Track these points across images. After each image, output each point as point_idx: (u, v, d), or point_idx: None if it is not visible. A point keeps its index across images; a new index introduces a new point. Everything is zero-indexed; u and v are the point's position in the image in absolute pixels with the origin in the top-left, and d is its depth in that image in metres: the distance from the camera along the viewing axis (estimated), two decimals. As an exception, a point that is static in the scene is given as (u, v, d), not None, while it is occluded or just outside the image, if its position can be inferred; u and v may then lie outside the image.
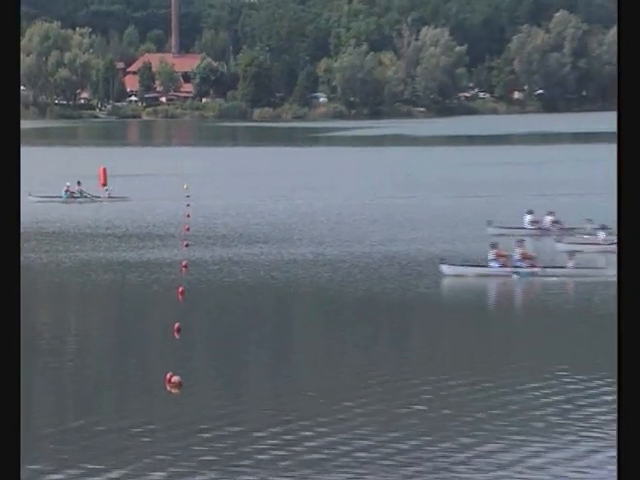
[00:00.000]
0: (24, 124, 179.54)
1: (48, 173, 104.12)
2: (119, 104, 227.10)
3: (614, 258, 54.81)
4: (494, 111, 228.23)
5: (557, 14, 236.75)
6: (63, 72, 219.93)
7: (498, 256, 51.85)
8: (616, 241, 57.85)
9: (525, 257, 51.95)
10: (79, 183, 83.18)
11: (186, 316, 43.23)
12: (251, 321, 46.62)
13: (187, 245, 60.76)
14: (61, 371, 38.01)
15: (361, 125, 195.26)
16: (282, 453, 27.15)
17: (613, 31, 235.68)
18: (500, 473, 26.02)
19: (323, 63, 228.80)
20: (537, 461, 26.82)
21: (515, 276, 51.61)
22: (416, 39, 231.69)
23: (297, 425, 29.23)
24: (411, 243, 63.29)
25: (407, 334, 44.27)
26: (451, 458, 26.97)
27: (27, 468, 25.13)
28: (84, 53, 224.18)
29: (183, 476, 25.46)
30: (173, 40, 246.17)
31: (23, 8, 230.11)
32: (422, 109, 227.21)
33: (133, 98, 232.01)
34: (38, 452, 27.03)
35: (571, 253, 52.77)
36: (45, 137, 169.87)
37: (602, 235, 59.37)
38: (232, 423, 29.25)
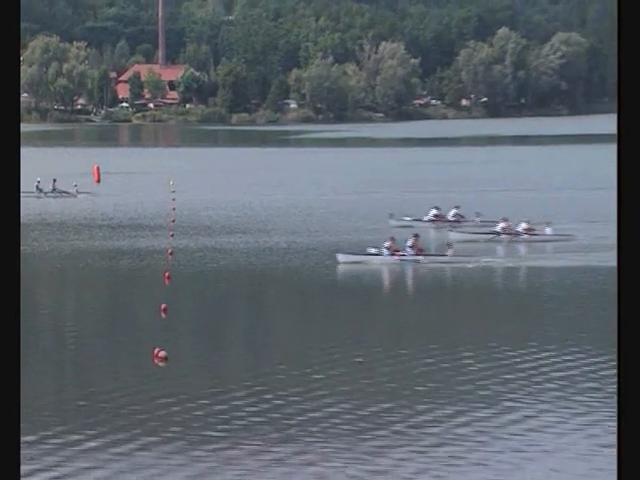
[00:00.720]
0: (27, 127, 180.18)
1: (49, 171, 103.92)
2: (112, 109, 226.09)
3: (505, 245, 58.34)
4: (444, 116, 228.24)
5: (499, 31, 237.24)
6: (62, 81, 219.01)
7: (391, 246, 51.94)
8: (514, 231, 59.48)
9: (414, 247, 52.18)
10: (54, 180, 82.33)
11: (172, 298, 42.97)
12: (231, 302, 46.72)
13: (172, 235, 60.39)
14: (58, 345, 38.09)
15: (327, 129, 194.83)
16: (257, 418, 27.36)
17: (548, 46, 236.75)
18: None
19: (293, 73, 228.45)
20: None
21: (402, 263, 51.83)
22: (375, 52, 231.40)
23: (267, 390, 29.48)
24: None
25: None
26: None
27: (27, 430, 24.67)
28: (80, 64, 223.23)
29: (170, 438, 25.49)
30: (160, 52, 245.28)
31: (26, 24, 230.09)
32: (381, 114, 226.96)
33: (124, 104, 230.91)
34: (39, 416, 26.99)
35: (450, 243, 53.36)
36: (45, 139, 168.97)
37: (501, 225, 59.69)
38: (213, 392, 29.36)
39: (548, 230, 59.23)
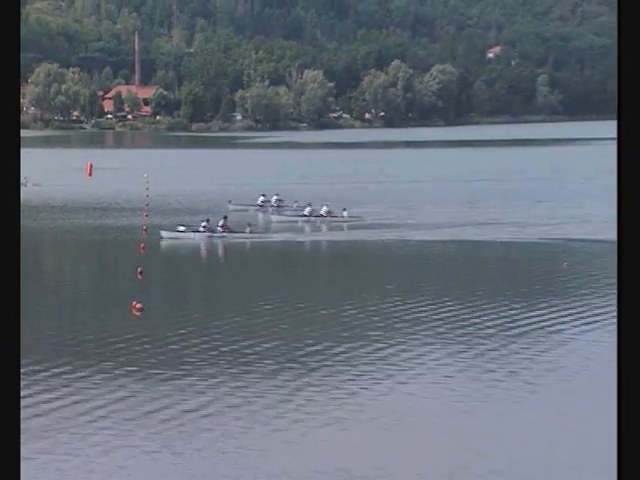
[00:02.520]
0: (33, 133, 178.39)
1: (50, 167, 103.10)
2: (99, 120, 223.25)
3: (312, 224, 57.58)
4: (352, 126, 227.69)
5: (393, 63, 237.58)
6: (60, 98, 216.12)
7: (206, 225, 51.38)
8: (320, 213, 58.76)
9: (223, 226, 51.39)
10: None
11: (146, 263, 42.72)
12: (192, 264, 47.14)
13: (147, 215, 60.11)
14: (56, 298, 38.04)
15: (264, 135, 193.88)
16: (214, 352, 27.97)
17: (429, 74, 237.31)
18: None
19: (238, 93, 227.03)
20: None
21: (211, 238, 51.13)
22: (301, 78, 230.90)
23: (225, 335, 29.77)
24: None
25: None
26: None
27: (27, 361, 24.95)
28: (75, 85, 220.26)
29: (141, 367, 25.78)
30: (136, 76, 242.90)
31: (32, 54, 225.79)
32: (305, 124, 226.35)
33: (109, 116, 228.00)
34: (35, 352, 26.72)
35: (250, 223, 52.66)
36: (48, 142, 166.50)
37: (307, 209, 59.21)
38: (174, 334, 29.50)
39: (345, 213, 58.47)
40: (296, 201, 62.99)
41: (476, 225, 56.16)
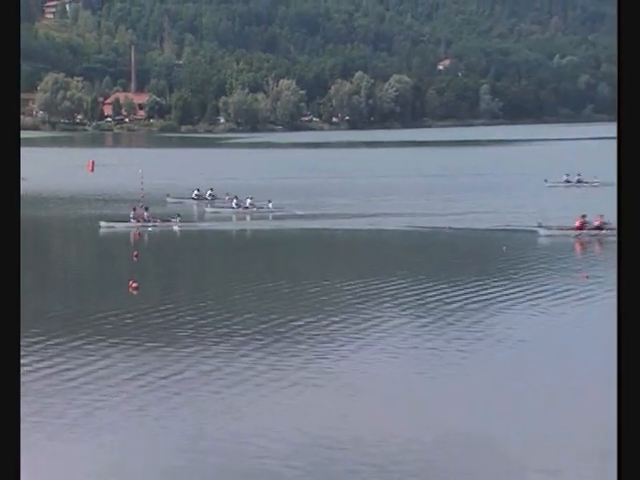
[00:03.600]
0: (42, 134, 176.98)
1: (57, 164, 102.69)
2: (100, 122, 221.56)
3: (239, 214, 56.03)
4: (321, 128, 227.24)
5: (357, 74, 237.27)
6: (66, 103, 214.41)
7: (136, 215, 50.34)
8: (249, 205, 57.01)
9: (150, 217, 50.38)
10: None
11: (140, 247, 42.61)
12: (183, 248, 46.75)
13: (141, 205, 60.01)
14: (61, 276, 37.94)
15: (244, 136, 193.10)
16: (204, 322, 27.88)
17: (387, 84, 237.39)
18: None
19: (222, 99, 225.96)
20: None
21: (143, 227, 50.03)
22: (277, 86, 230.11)
23: (212, 308, 29.80)
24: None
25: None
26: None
27: (32, 333, 24.97)
28: (79, 92, 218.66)
29: (134, 336, 25.68)
30: (132, 84, 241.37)
31: (41, 65, 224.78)
32: (280, 127, 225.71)
33: (108, 119, 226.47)
34: (41, 326, 26.59)
35: (179, 214, 51.32)
36: (55, 142, 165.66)
37: (234, 202, 57.98)
38: (172, 309, 29.38)
39: (270, 205, 57.12)
40: (227, 194, 61.33)
41: (416, 215, 55.45)
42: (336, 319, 27.68)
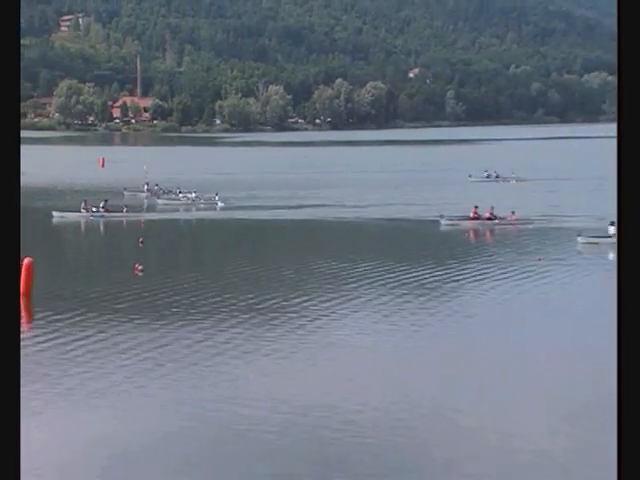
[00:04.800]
0: (58, 134, 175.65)
1: (71, 160, 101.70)
2: (109, 124, 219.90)
3: (186, 206, 54.92)
4: (306, 129, 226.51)
5: (337, 80, 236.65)
6: (79, 107, 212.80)
7: (85, 206, 48.60)
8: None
9: (104, 207, 48.91)
10: None
11: (144, 234, 42.00)
12: (185, 235, 46.12)
13: (146, 197, 59.29)
14: (71, 259, 37.36)
15: (238, 136, 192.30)
16: (202, 302, 26.95)
17: (364, 89, 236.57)
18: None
19: (218, 103, 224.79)
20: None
21: (92, 217, 48.80)
22: (266, 91, 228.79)
23: (209, 288, 29.22)
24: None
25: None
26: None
27: (41, 314, 24.54)
28: (90, 97, 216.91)
29: (138, 314, 25.12)
30: (138, 90, 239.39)
31: (57, 72, 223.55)
32: (269, 127, 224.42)
33: (117, 120, 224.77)
34: (57, 301, 26.32)
35: (126, 205, 50.30)
36: (69, 141, 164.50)
37: (181, 195, 56.36)
38: (168, 288, 28.95)
39: (216, 197, 55.70)
40: (178, 188, 59.89)
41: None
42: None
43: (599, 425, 15.77)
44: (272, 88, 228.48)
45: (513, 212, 45.18)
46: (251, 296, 27.27)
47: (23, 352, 20.65)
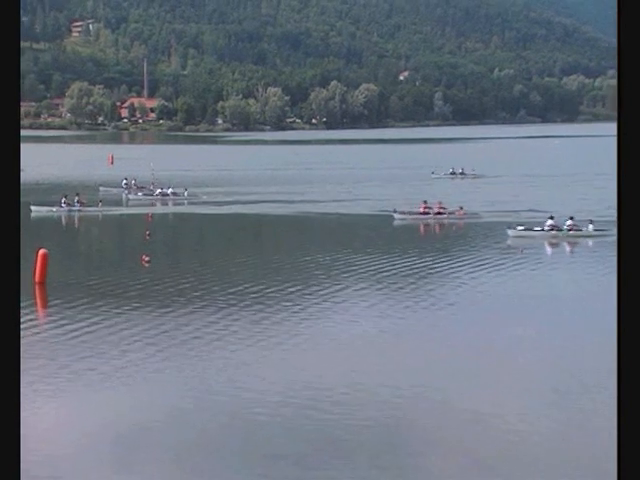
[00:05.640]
0: (70, 133, 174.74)
1: (82, 157, 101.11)
2: (118, 123, 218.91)
3: (160, 201, 53.59)
4: (302, 128, 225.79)
5: (332, 82, 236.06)
6: (89, 107, 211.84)
7: (65, 201, 47.72)
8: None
9: (79, 202, 48.01)
10: None
11: (152, 228, 41.56)
12: (191, 227, 45.65)
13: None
14: (82, 252, 36.96)
15: (239, 135, 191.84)
16: (204, 290, 26.76)
17: (358, 91, 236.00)
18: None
19: (220, 104, 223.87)
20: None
21: (69, 211, 47.43)
22: (265, 92, 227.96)
23: (212, 275, 28.99)
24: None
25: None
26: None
27: (54, 302, 24.35)
28: (100, 98, 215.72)
29: (144, 302, 24.83)
30: (145, 91, 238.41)
31: (69, 75, 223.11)
32: (269, 127, 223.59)
33: (125, 120, 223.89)
34: (69, 290, 26.04)
35: (101, 199, 49.40)
36: (80, 140, 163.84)
37: (157, 191, 55.56)
38: (172, 278, 28.70)
39: (185, 193, 54.94)
40: (152, 184, 58.65)
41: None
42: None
43: (576, 402, 16.09)
44: (271, 90, 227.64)
45: (461, 207, 44.87)
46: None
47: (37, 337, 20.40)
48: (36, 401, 15.98)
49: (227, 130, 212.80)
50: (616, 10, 8.76)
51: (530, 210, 46.64)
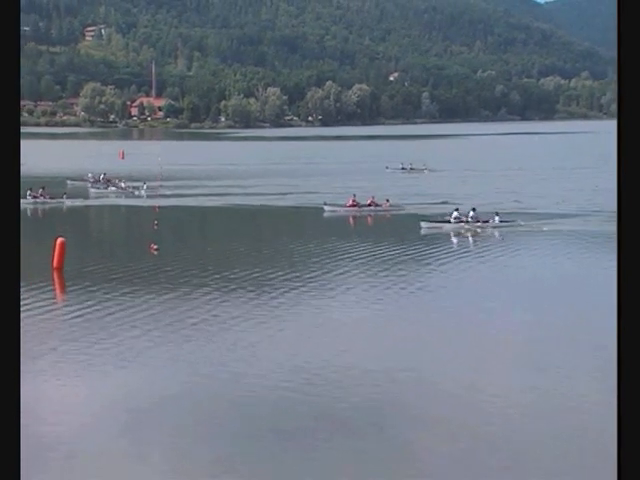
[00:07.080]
0: (83, 130, 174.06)
1: (96, 152, 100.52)
2: (128, 121, 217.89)
3: (122, 194, 52.54)
4: (300, 126, 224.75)
5: (327, 82, 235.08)
6: (102, 106, 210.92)
7: (34, 194, 46.44)
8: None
9: (43, 195, 46.68)
10: None
11: (160, 217, 40.99)
12: (198, 218, 45.12)
13: (160, 185, 58.09)
14: (93, 243, 36.57)
15: (240, 131, 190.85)
16: (210, 279, 26.39)
17: (351, 90, 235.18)
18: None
19: (222, 103, 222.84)
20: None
21: (34, 203, 45.93)
22: (265, 92, 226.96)
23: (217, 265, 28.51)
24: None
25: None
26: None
27: (70, 288, 23.91)
28: (112, 97, 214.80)
29: (153, 287, 24.45)
30: (153, 91, 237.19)
31: (83, 76, 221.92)
32: (268, 124, 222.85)
33: (134, 118, 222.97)
34: (83, 277, 25.56)
35: (65, 192, 48.05)
36: (94, 136, 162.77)
37: (120, 185, 54.59)
38: (185, 264, 28.35)
39: (145, 186, 53.96)
40: (120, 179, 57.49)
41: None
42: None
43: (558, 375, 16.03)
44: (270, 89, 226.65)
45: (387, 200, 44.24)
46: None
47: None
48: (60, 378, 16.05)
49: (229, 127, 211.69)
50: (616, 11, 8.21)
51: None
